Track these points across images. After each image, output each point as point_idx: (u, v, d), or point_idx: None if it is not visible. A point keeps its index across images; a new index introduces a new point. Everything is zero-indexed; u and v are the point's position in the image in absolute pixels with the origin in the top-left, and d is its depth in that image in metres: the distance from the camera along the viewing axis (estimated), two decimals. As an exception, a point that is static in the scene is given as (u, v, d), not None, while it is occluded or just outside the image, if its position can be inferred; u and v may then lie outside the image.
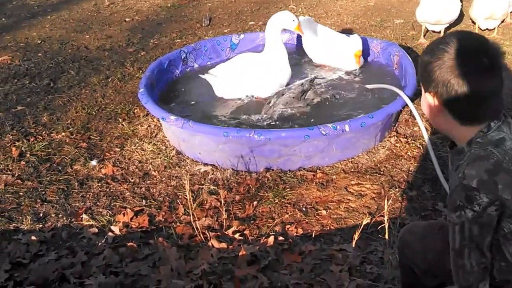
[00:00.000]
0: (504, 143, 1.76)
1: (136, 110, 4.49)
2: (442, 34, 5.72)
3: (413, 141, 3.89)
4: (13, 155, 3.90)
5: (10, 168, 3.78)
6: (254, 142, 3.43)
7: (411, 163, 3.67)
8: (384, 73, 4.65)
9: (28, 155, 3.91)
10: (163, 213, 3.23)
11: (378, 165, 3.68)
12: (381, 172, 3.59)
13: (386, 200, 3.02)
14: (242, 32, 5.55)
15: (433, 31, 5.82)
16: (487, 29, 5.88)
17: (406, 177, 3.53)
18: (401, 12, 6.77)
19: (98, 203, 3.39)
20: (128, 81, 5.06)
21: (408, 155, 3.76)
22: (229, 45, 5.06)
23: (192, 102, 4.29)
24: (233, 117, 4.03)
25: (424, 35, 5.79)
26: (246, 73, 4.20)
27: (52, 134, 4.20)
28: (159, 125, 4.23)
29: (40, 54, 5.88)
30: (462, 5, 5.70)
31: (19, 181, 3.64)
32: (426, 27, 5.79)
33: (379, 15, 6.79)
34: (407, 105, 3.83)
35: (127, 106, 4.55)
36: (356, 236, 2.83)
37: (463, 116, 1.81)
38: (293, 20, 4.31)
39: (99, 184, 3.57)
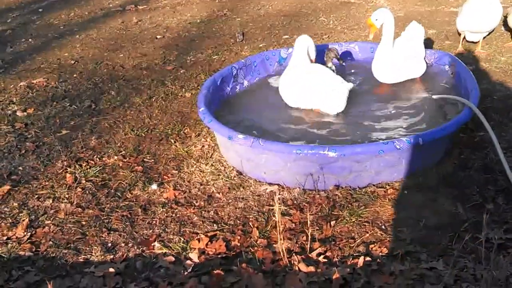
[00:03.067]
0: None
1: (186, 130, 4.43)
2: (480, 44, 5.66)
3: (478, 152, 3.82)
4: (68, 182, 3.83)
5: (67, 195, 3.71)
6: (327, 159, 3.35)
7: (480, 175, 3.59)
8: (441, 83, 4.60)
9: (83, 181, 3.85)
10: (238, 237, 3.16)
11: (447, 178, 3.60)
12: (452, 186, 3.52)
13: (465, 214, 3.11)
14: (290, 46, 5.47)
15: (472, 42, 5.78)
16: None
17: (477, 189, 3.46)
18: (432, 23, 6.74)
19: (167, 230, 3.31)
20: (173, 100, 5.01)
21: (475, 166, 3.68)
22: (277, 59, 5.00)
23: (247, 119, 4.22)
24: (293, 131, 4.01)
25: (463, 45, 5.76)
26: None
27: (103, 158, 4.13)
28: (213, 145, 4.17)
29: (75, 75, 5.83)
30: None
31: (79, 209, 3.56)
32: (464, 36, 5.73)
33: (411, 25, 6.73)
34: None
35: (177, 127, 4.49)
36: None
37: None
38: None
39: (164, 209, 3.50)
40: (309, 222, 3.09)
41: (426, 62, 4.76)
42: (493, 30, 5.72)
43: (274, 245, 3.05)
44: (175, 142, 4.27)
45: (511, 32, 6.02)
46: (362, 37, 6.45)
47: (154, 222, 3.40)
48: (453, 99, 4.09)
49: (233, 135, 3.54)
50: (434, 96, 4.26)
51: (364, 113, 4.21)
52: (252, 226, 3.25)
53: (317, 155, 3.33)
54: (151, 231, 3.31)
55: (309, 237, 3.00)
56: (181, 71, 5.72)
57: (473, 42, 5.81)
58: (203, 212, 3.45)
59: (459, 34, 5.87)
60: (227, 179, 3.74)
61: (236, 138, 3.52)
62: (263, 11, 7.79)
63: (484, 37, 5.77)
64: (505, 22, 6.10)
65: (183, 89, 5.19)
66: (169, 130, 4.45)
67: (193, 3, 8.45)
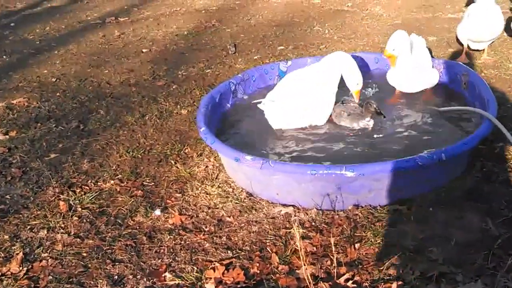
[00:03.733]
0: None
1: (187, 150, 4.38)
2: (485, 51, 5.67)
3: (500, 164, 3.81)
4: (62, 210, 3.76)
5: (63, 225, 3.63)
6: (344, 178, 3.31)
7: (506, 188, 3.59)
8: (452, 94, 4.61)
9: (79, 209, 3.77)
10: (257, 264, 3.10)
11: (472, 193, 3.59)
12: (478, 200, 3.50)
13: (496, 230, 3.15)
14: (289, 59, 5.45)
15: (477, 50, 5.81)
16: None
17: (505, 203, 3.44)
18: (431, 29, 6.81)
19: (177, 259, 3.25)
20: (168, 118, 4.96)
21: (500, 179, 3.67)
22: (277, 73, 4.99)
23: (251, 137, 4.21)
24: (299, 148, 4.02)
25: (466, 53, 5.77)
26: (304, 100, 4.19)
27: (99, 183, 4.06)
28: (217, 165, 4.12)
29: (58, 94, 5.76)
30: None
31: (78, 240, 3.48)
32: (468, 45, 5.74)
33: (409, 33, 6.76)
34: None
35: (176, 146, 4.44)
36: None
37: None
38: (357, 84, 4.26)
39: (171, 237, 3.43)
40: (333, 246, 3.04)
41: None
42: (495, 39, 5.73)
43: (297, 271, 3.00)
44: (175, 163, 4.21)
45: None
46: (361, 47, 6.48)
47: (162, 250, 3.33)
48: (472, 110, 4.09)
49: (240, 157, 3.49)
50: (441, 109, 4.27)
51: (372, 126, 4.21)
52: (270, 251, 3.20)
53: (334, 175, 3.29)
54: (159, 260, 3.24)
55: (335, 261, 2.95)
56: (174, 87, 5.68)
57: (477, 50, 5.84)
58: (215, 238, 3.39)
59: (460, 44, 5.88)
60: (237, 202, 3.69)
61: (244, 160, 3.47)
62: (254, 21, 7.80)
63: (489, 45, 5.79)
64: (507, 28, 6.14)
65: (178, 106, 5.15)
66: (168, 150, 4.40)
67: (177, 14, 8.44)
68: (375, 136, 4.09)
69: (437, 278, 2.86)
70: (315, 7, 8.27)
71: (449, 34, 6.58)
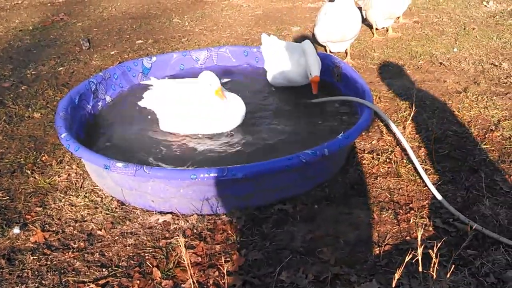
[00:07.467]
0: None
1: (44, 158, 4.07)
2: (348, 54, 5.69)
3: (378, 156, 3.85)
4: None
5: None
6: (227, 181, 3.17)
7: (388, 180, 3.63)
8: (326, 86, 4.59)
9: None
10: (137, 282, 2.90)
11: (355, 187, 3.59)
12: (362, 194, 3.51)
13: (384, 225, 3.15)
14: (153, 55, 5.22)
15: (338, 52, 5.82)
16: (383, 28, 6.11)
17: (390, 196, 3.47)
18: (294, 20, 6.86)
19: (44, 282, 2.97)
20: (19, 123, 4.59)
21: (381, 171, 3.72)
22: (141, 69, 4.76)
23: (121, 141, 3.95)
24: (177, 154, 3.83)
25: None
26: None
27: None
28: (81, 172, 3.85)
29: None
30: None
31: None
32: (329, 49, 5.73)
33: (273, 23, 6.82)
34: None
35: (31, 154, 4.11)
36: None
37: None
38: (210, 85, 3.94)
39: (35, 257, 3.14)
40: (209, 255, 2.90)
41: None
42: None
43: (183, 285, 2.83)
44: (32, 173, 3.89)
45: (371, 27, 6.24)
46: (225, 38, 6.39)
47: (25, 274, 3.04)
48: (349, 100, 4.11)
49: (110, 164, 3.25)
50: (314, 101, 4.26)
51: (250, 126, 4.11)
52: (150, 265, 3.01)
53: (215, 179, 3.14)
54: (23, 286, 2.95)
55: (224, 271, 2.80)
56: (22, 88, 5.29)
57: (341, 52, 5.84)
58: (86, 255, 3.14)
59: (320, 45, 5.89)
60: (107, 212, 3.45)
61: (114, 167, 3.23)
62: (106, 14, 7.49)
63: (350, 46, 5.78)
64: (363, 18, 6.26)
65: (30, 109, 4.78)
66: (22, 159, 4.06)
67: (20, 7, 7.93)
68: (247, 136, 3.97)
69: (331, 280, 2.80)
70: (171, -2, 8.09)
71: (311, 24, 6.65)
